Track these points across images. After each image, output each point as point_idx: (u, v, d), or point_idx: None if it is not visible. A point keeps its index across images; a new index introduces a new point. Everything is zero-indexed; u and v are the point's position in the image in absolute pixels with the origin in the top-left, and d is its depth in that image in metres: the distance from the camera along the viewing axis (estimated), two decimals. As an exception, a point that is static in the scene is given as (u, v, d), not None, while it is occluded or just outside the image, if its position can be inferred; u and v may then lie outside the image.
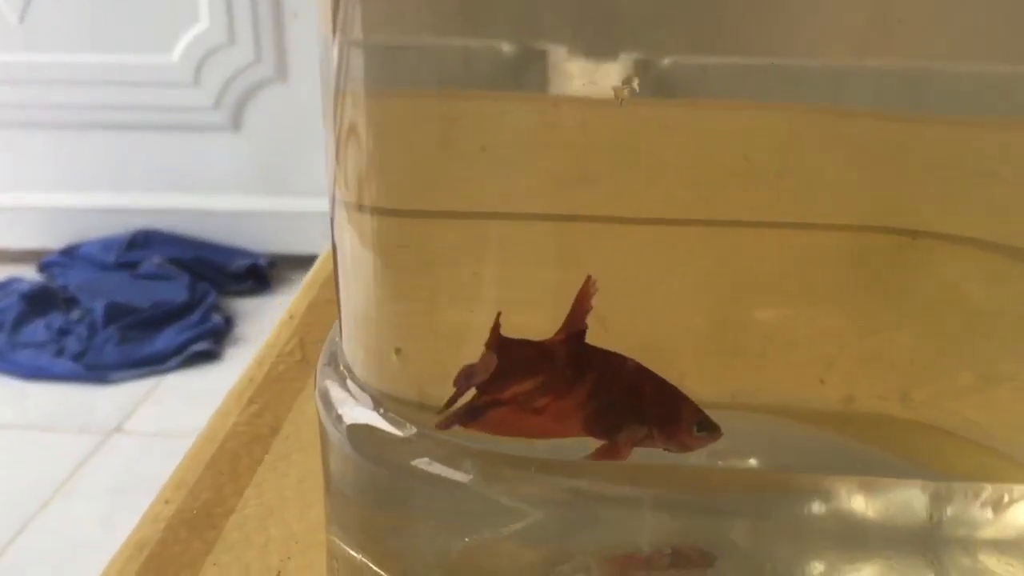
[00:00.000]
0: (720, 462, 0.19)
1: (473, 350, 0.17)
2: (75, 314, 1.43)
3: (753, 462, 0.20)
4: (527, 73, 0.17)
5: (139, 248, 1.56)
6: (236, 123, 1.56)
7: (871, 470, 0.18)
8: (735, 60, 0.17)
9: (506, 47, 0.18)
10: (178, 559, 0.21)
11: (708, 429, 0.18)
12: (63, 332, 1.39)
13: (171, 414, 1.26)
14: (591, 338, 0.18)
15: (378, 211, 0.18)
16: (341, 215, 0.19)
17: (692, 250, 0.18)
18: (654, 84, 0.17)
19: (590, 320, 0.18)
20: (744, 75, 0.17)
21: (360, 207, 0.18)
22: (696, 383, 0.19)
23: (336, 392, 0.18)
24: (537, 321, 0.18)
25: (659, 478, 0.19)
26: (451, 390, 0.17)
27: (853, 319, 0.18)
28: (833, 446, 0.19)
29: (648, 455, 0.18)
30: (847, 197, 0.18)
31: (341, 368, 0.18)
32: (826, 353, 0.19)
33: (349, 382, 0.18)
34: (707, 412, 0.19)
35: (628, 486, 0.19)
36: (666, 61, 0.17)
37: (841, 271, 0.18)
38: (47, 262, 1.57)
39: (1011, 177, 0.17)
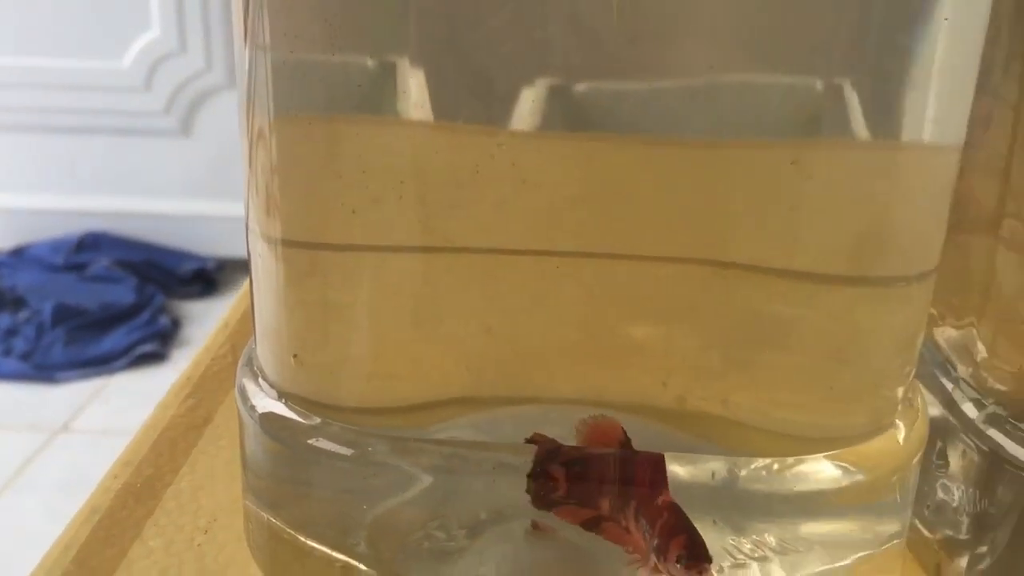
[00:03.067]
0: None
1: (357, 360, 0.22)
2: (23, 315, 1.44)
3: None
4: (397, 96, 0.20)
5: (88, 250, 1.58)
6: (186, 128, 1.59)
7: (690, 450, 0.22)
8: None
9: (379, 67, 0.20)
10: (125, 521, 0.25)
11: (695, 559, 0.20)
12: (11, 332, 1.40)
13: (118, 413, 1.27)
14: (477, 345, 0.22)
15: (273, 237, 0.22)
16: (252, 231, 0.22)
17: (559, 274, 0.21)
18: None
19: (477, 328, 0.22)
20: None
21: (262, 228, 0.22)
22: (566, 384, 0.22)
23: (251, 387, 0.23)
24: (417, 343, 0.22)
25: (525, 451, 0.22)
26: (338, 389, 0.22)
27: (688, 336, 0.22)
28: (666, 434, 0.23)
29: (515, 434, 0.22)
30: (675, 233, 0.21)
31: (255, 368, 0.23)
32: (668, 362, 0.22)
33: (260, 380, 0.23)
34: (569, 411, 0.23)
35: (493, 453, 0.22)
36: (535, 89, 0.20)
37: (677, 296, 0.22)
38: (-5, 262, 1.59)
39: (808, 203, 0.20)
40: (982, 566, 0.23)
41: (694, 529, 0.21)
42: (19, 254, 1.60)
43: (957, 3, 0.20)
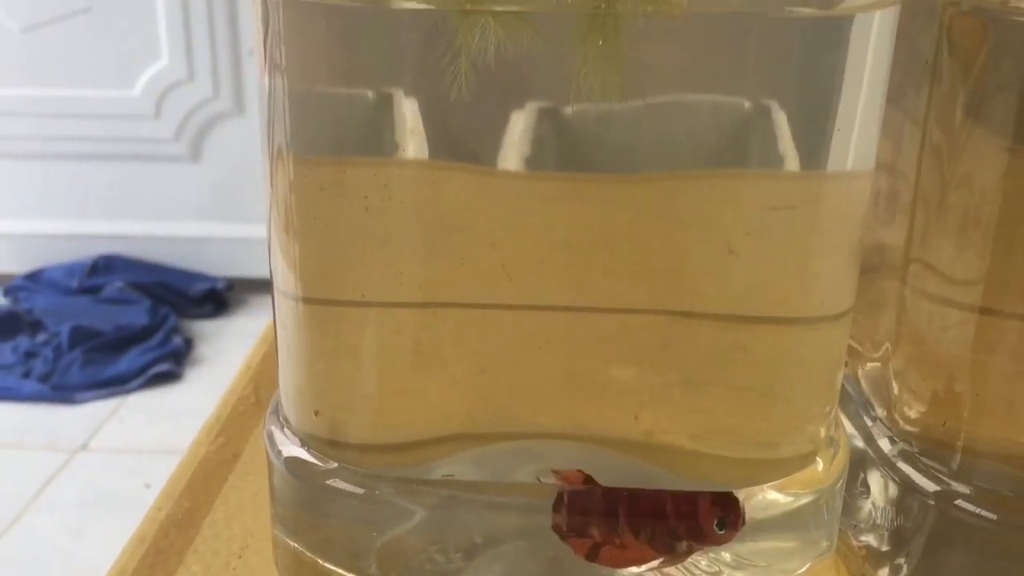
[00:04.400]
0: (541, 479, 0.27)
1: (366, 405, 0.26)
2: (41, 337, 1.48)
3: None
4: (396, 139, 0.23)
5: (101, 273, 1.61)
6: (195, 154, 1.63)
7: (658, 480, 0.25)
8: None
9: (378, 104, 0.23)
10: (168, 549, 0.30)
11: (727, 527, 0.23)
12: (30, 355, 1.44)
13: (134, 432, 1.30)
14: (473, 384, 0.25)
15: (295, 295, 0.25)
16: (278, 290, 0.26)
17: (545, 322, 0.25)
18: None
19: (472, 369, 0.25)
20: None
21: (285, 286, 0.26)
22: (550, 419, 0.26)
23: (278, 434, 0.27)
24: (419, 386, 0.25)
25: (498, 488, 0.26)
26: (349, 430, 0.26)
27: (658, 376, 0.25)
28: (636, 466, 0.26)
29: (506, 470, 0.26)
30: (639, 285, 0.24)
31: (281, 418, 0.27)
32: (641, 399, 0.25)
33: (285, 429, 0.27)
34: (557, 445, 0.25)
35: (483, 495, 0.26)
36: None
37: (646, 342, 0.25)
38: (12, 286, 1.62)
39: (751, 254, 0.24)
40: (900, 574, 0.27)
41: (704, 495, 0.23)
42: (35, 278, 1.63)
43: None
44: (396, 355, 0.26)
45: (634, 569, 0.26)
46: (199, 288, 1.61)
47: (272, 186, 0.25)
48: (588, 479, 0.25)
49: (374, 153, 0.24)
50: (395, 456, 0.27)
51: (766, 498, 0.26)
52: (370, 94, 0.24)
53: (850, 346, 0.30)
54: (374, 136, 0.24)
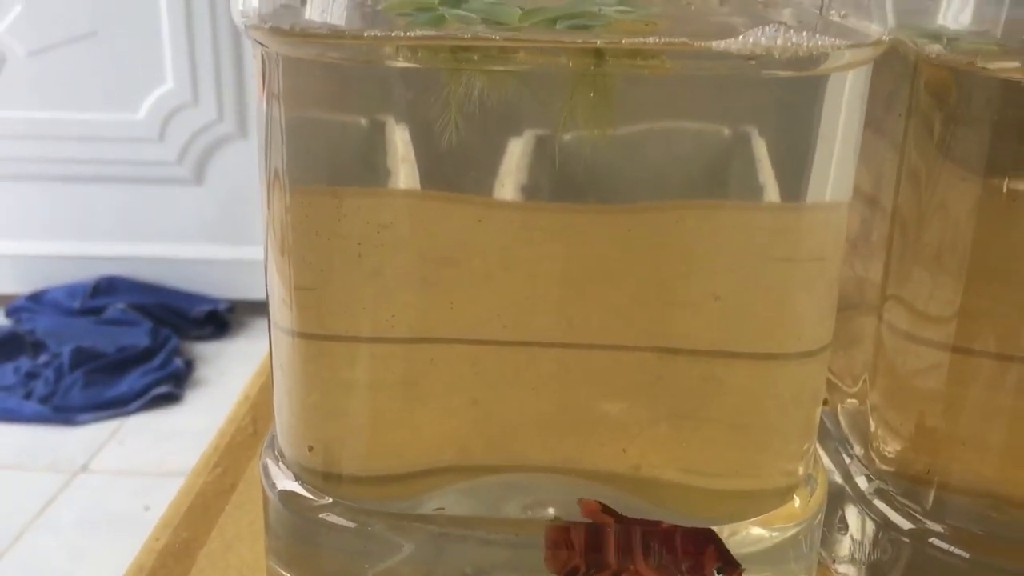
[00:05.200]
0: (530, 512, 0.28)
1: (359, 439, 0.27)
2: (43, 358, 1.49)
3: (551, 511, 0.27)
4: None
5: (103, 294, 1.62)
6: (199, 177, 1.64)
7: (646, 515, 0.26)
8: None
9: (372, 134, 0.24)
10: (166, 578, 0.30)
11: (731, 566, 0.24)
12: (31, 376, 1.44)
13: (135, 453, 1.31)
14: (465, 418, 0.26)
15: (291, 330, 0.26)
16: (275, 326, 0.27)
17: (536, 358, 0.26)
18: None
19: (464, 402, 0.26)
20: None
21: (282, 322, 0.26)
22: (541, 453, 0.26)
23: (273, 468, 0.28)
24: (412, 420, 0.26)
25: (488, 524, 0.27)
26: (341, 463, 0.27)
27: (647, 411, 0.26)
28: (625, 500, 0.26)
29: (497, 504, 0.27)
30: (627, 322, 0.25)
31: (276, 452, 0.28)
32: (629, 433, 0.26)
33: (280, 463, 0.28)
34: (547, 478, 0.26)
35: (473, 531, 0.27)
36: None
37: (636, 377, 0.25)
38: (14, 307, 1.63)
39: (730, 296, 0.25)
40: (876, 610, 0.28)
41: (718, 539, 0.24)
42: (37, 299, 1.64)
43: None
44: (389, 389, 0.27)
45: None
46: (201, 310, 1.61)
47: (268, 217, 0.26)
48: (606, 508, 0.25)
49: (367, 190, 0.25)
50: (386, 488, 0.27)
51: (750, 534, 0.27)
52: (363, 129, 0.24)
53: (830, 382, 0.31)
54: (368, 173, 0.25)
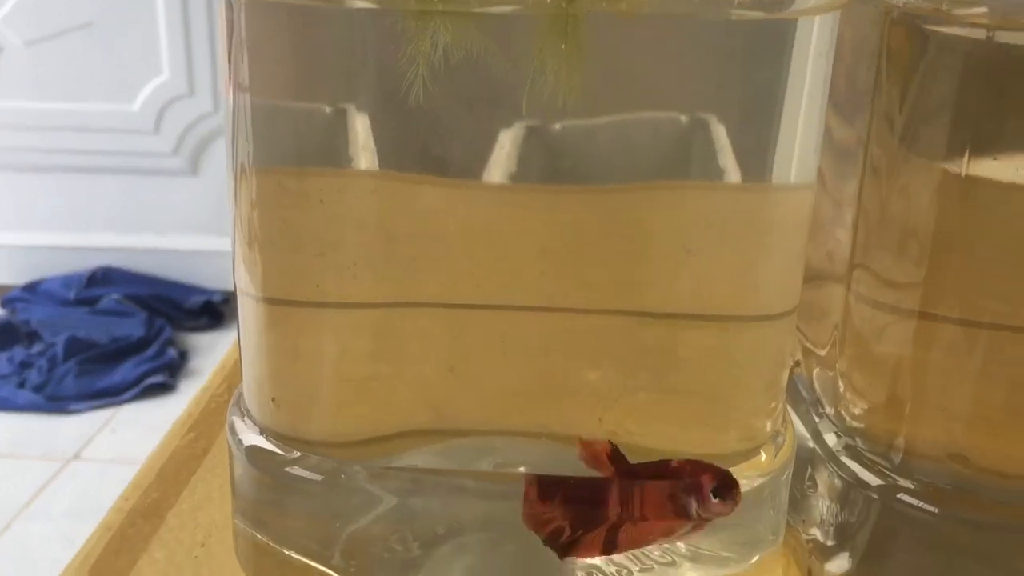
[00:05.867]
0: (502, 469, 0.28)
1: (326, 399, 0.27)
2: (37, 348, 1.49)
3: (522, 469, 0.27)
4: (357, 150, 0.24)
5: (99, 285, 1.62)
6: (194, 168, 1.64)
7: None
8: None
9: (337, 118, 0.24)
10: (134, 537, 0.30)
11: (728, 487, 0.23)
12: (25, 365, 1.45)
13: (127, 443, 1.31)
14: (440, 383, 0.26)
15: (254, 295, 0.26)
16: (239, 290, 0.27)
17: (517, 326, 0.26)
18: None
19: (440, 366, 0.26)
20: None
21: (245, 287, 0.27)
22: (519, 419, 0.27)
23: (239, 424, 0.28)
24: (383, 384, 0.26)
25: (460, 474, 0.27)
26: (309, 425, 0.27)
27: (622, 379, 0.26)
28: None
29: (471, 461, 0.26)
30: (603, 286, 0.25)
31: (242, 408, 0.28)
32: (605, 401, 0.26)
33: (246, 418, 0.28)
34: (521, 441, 0.27)
35: (445, 479, 0.26)
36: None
37: (611, 343, 0.25)
38: (9, 297, 1.63)
39: (703, 260, 0.24)
40: (845, 568, 0.27)
41: (715, 465, 0.24)
42: (32, 289, 1.64)
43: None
44: (360, 354, 0.26)
45: (595, 560, 0.26)
46: (195, 301, 1.62)
47: (235, 182, 0.26)
48: (616, 452, 0.25)
49: (334, 161, 0.25)
50: (353, 449, 0.27)
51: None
52: (328, 101, 0.24)
53: (805, 347, 0.31)
54: (335, 144, 0.25)
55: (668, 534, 0.25)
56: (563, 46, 0.23)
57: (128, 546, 0.30)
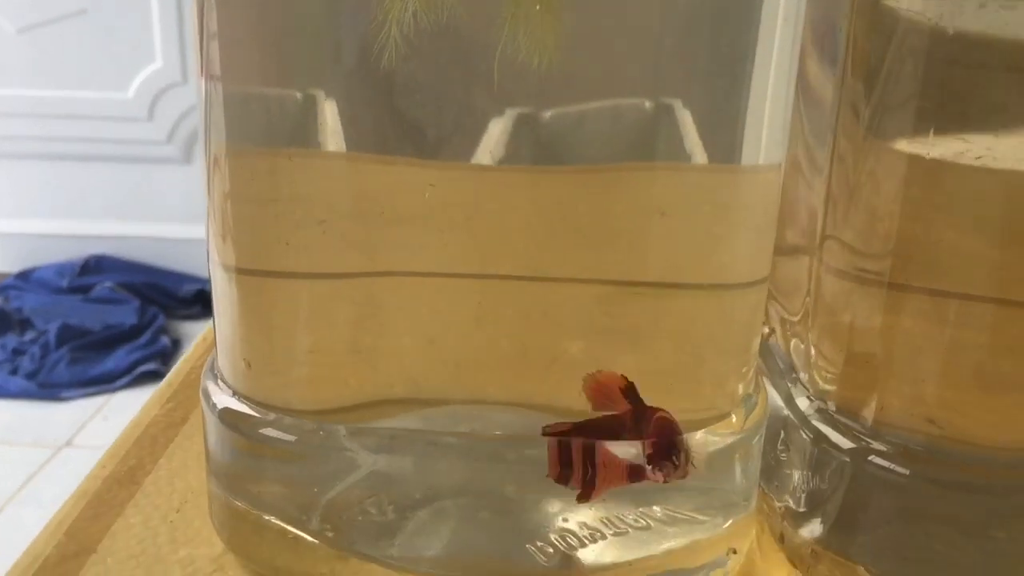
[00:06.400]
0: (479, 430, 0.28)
1: (300, 367, 0.27)
2: (29, 335, 1.49)
3: (497, 432, 0.27)
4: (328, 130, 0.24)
5: (92, 273, 1.63)
6: (187, 156, 1.64)
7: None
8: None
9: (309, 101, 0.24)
10: (110, 502, 0.30)
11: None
12: (17, 352, 1.45)
13: (118, 430, 1.30)
14: (418, 353, 0.26)
15: (226, 264, 0.26)
16: (211, 257, 0.27)
17: (497, 296, 0.26)
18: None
19: (418, 334, 0.26)
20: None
21: (217, 255, 0.27)
22: (500, 390, 0.27)
23: (212, 387, 0.28)
24: (359, 355, 0.26)
25: (437, 434, 0.27)
26: (284, 393, 0.27)
27: (604, 349, 0.26)
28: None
29: (448, 426, 0.26)
30: (581, 256, 0.25)
31: (215, 372, 0.28)
32: (584, 370, 0.25)
33: (220, 382, 0.28)
34: (498, 410, 0.27)
35: (423, 436, 0.27)
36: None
37: (592, 314, 0.25)
38: (3, 285, 1.63)
39: (678, 228, 0.25)
40: (817, 533, 0.28)
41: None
42: (25, 277, 1.65)
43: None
44: (335, 325, 0.26)
45: (569, 524, 0.27)
46: (189, 289, 1.62)
47: (205, 152, 0.26)
48: (629, 387, 0.25)
49: (306, 139, 0.25)
50: (329, 417, 0.27)
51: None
52: (301, 82, 0.24)
53: (782, 318, 0.31)
54: (308, 122, 0.25)
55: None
56: (538, 7, 0.23)
57: (104, 510, 0.30)
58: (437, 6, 0.23)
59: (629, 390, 0.25)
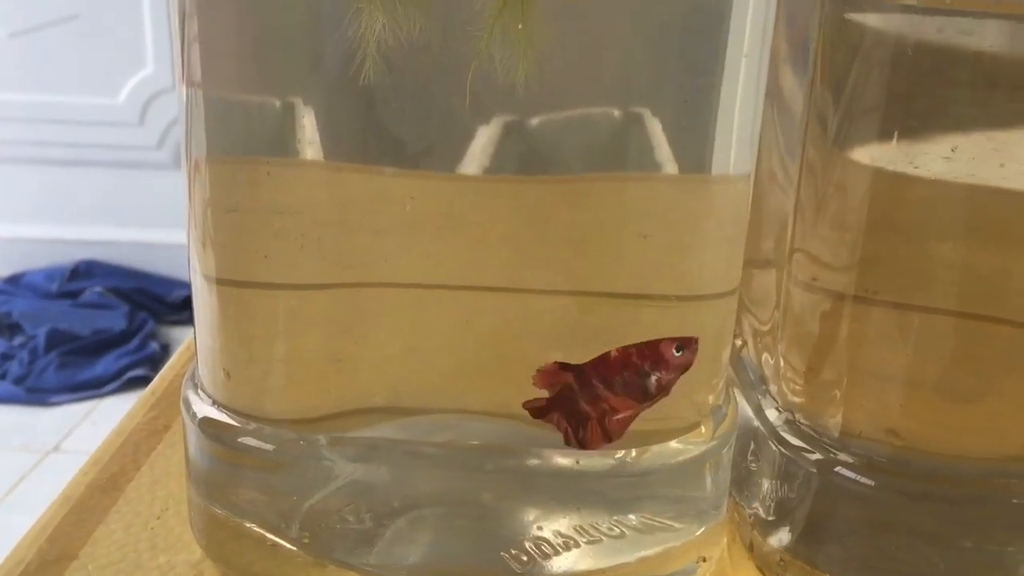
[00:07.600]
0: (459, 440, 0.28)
1: (279, 376, 0.27)
2: (18, 340, 1.49)
3: (475, 442, 0.28)
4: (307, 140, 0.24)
5: (81, 278, 1.63)
6: (178, 162, 1.63)
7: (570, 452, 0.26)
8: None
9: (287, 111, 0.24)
10: (92, 509, 0.31)
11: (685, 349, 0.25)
12: (6, 357, 1.45)
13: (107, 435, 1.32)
14: (402, 360, 0.26)
15: (205, 274, 0.27)
16: (191, 267, 0.27)
17: (477, 306, 0.26)
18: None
19: (399, 344, 0.26)
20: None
21: (197, 265, 0.27)
22: (476, 397, 0.27)
23: (192, 397, 0.28)
24: (340, 364, 0.26)
25: (416, 443, 0.27)
26: (263, 402, 0.27)
27: (582, 359, 0.25)
28: (554, 439, 0.27)
29: (423, 435, 0.27)
30: (559, 268, 0.26)
31: (195, 381, 0.29)
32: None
33: (200, 391, 0.28)
34: (478, 419, 0.27)
35: (401, 445, 0.27)
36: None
37: (572, 325, 0.26)
38: (-8, 289, 1.64)
39: (658, 234, 0.25)
40: (786, 542, 0.28)
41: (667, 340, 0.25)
42: (15, 281, 1.64)
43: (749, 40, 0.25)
44: (317, 334, 0.27)
45: (544, 533, 0.27)
46: (178, 294, 1.62)
47: (185, 149, 0.27)
48: (563, 365, 0.26)
49: (286, 149, 0.25)
50: (308, 426, 0.28)
51: (665, 447, 0.27)
52: (280, 91, 0.25)
53: (754, 330, 0.31)
54: (286, 132, 0.25)
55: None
56: (520, 26, 0.24)
57: (87, 516, 0.30)
58: (406, 20, 0.23)
59: (566, 364, 0.26)
